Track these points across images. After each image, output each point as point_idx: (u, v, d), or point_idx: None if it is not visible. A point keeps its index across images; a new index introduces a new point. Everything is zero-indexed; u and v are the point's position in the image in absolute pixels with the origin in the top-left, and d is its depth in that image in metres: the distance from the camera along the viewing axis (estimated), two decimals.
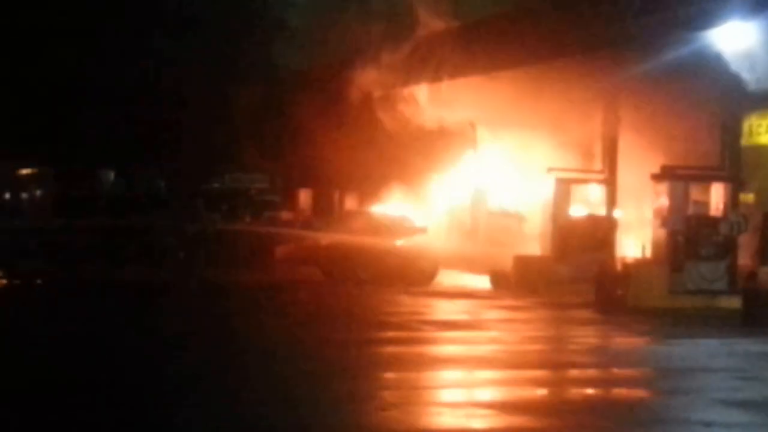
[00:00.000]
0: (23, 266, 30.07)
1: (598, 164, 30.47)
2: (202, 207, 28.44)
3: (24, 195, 39.79)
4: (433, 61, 33.04)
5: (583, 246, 28.02)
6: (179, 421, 12.15)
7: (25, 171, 39.78)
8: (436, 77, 33.50)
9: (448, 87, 33.30)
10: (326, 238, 31.61)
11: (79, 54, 40.15)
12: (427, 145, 34.13)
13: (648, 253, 25.40)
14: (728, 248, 25.00)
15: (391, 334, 19.83)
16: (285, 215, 37.01)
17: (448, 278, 30.56)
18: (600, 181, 29.80)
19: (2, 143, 38.48)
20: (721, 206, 25.22)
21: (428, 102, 33.78)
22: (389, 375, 15.51)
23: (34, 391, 13.60)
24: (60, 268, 29.55)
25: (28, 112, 39.72)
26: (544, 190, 29.61)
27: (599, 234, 28.54)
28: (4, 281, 29.13)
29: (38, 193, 39.01)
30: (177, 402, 13.14)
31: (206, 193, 38.53)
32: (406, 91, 34.46)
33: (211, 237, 28.13)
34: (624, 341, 20.36)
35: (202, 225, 27.55)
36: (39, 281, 29.02)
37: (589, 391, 15.12)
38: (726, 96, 25.79)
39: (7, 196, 39.54)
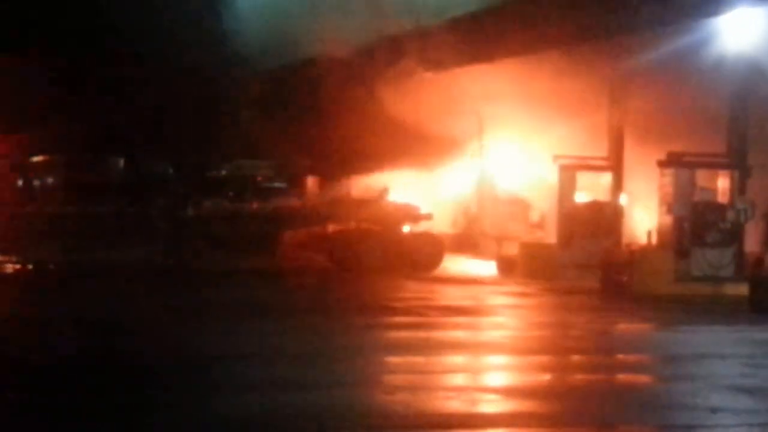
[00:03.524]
0: (35, 251, 30.18)
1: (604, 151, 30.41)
2: (197, 193, 28.39)
3: (36, 182, 39.93)
4: (439, 48, 32.96)
5: (589, 233, 28.01)
6: (191, 400, 12.20)
7: (36, 158, 39.90)
8: (442, 65, 33.44)
9: (455, 74, 33.25)
10: (332, 224, 31.66)
11: (84, 44, 40.15)
12: (434, 133, 34.10)
13: (654, 240, 25.39)
14: (735, 235, 24.97)
15: (397, 319, 19.85)
16: (292, 202, 36.97)
17: (454, 264, 30.58)
18: (605, 168, 29.77)
19: (13, 131, 38.58)
20: (727, 193, 25.22)
21: (435, 89, 33.74)
22: (395, 359, 15.52)
23: (46, 373, 13.67)
24: (70, 253, 29.68)
25: (38, 101, 39.75)
26: (550, 177, 29.61)
27: (605, 221, 28.52)
28: (18, 266, 29.26)
29: (50, 179, 39.14)
30: (190, 383, 13.20)
31: (213, 179, 38.53)
32: (414, 78, 34.41)
33: (206, 222, 28.11)
34: (629, 327, 20.37)
35: (197, 210, 27.54)
36: (51, 266, 29.12)
37: (595, 377, 15.10)
38: (733, 82, 25.73)
39: (20, 182, 39.68)
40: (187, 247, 27.18)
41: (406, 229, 31.03)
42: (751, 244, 24.98)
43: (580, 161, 29.81)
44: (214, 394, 12.64)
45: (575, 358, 16.48)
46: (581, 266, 26.68)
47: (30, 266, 29.22)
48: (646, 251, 25.12)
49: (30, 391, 12.74)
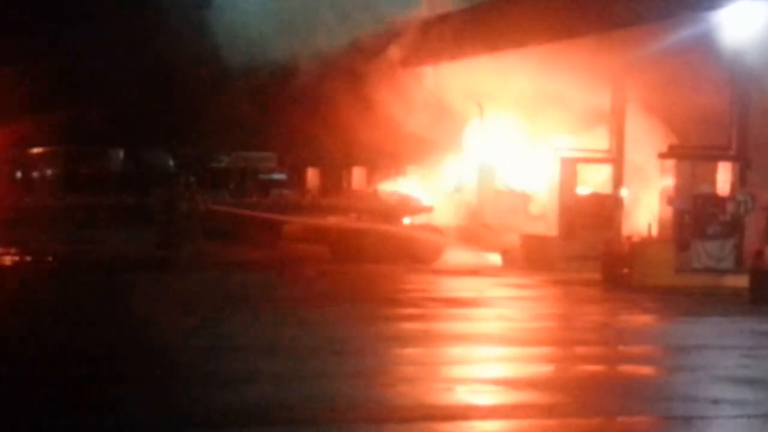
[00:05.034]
0: (34, 243, 30.20)
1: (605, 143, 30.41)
2: (195, 185, 28.41)
3: (35, 173, 39.96)
4: (441, 39, 32.96)
5: (590, 225, 28.03)
6: (187, 394, 12.23)
7: (35, 150, 39.89)
8: (444, 56, 33.43)
9: (457, 65, 33.23)
10: (333, 217, 31.63)
11: (86, 35, 40.17)
12: (435, 124, 34.09)
13: (654, 232, 25.42)
14: (735, 227, 25.01)
15: (398, 311, 19.85)
16: (291, 194, 36.97)
17: (455, 256, 30.57)
18: (606, 161, 29.82)
19: (14, 123, 38.64)
20: (728, 185, 25.27)
21: (436, 80, 33.73)
22: (396, 351, 15.54)
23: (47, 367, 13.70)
24: (69, 245, 29.71)
25: (40, 92, 39.78)
26: (551, 169, 29.61)
27: (605, 212, 28.55)
28: (17, 258, 29.27)
29: (49, 171, 39.17)
30: (186, 376, 13.22)
31: (213, 171, 38.51)
32: (414, 69, 34.40)
33: (204, 215, 28.14)
34: (630, 319, 20.39)
35: (195, 203, 27.55)
36: (50, 258, 29.15)
37: (596, 368, 15.13)
38: (735, 75, 25.73)
39: (19, 174, 39.71)
40: (186, 239, 27.17)
41: (407, 221, 31.03)
42: (752, 236, 25.01)
43: (581, 153, 29.85)
44: (210, 386, 12.63)
45: (576, 349, 16.50)
46: (582, 258, 26.72)
47: (29, 258, 29.22)
48: (646, 243, 25.15)
49: (13, 381, 12.77)
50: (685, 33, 25.83)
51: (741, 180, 25.37)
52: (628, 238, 26.19)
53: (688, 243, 24.81)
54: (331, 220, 31.80)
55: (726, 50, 25.30)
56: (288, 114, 38.66)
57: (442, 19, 33.56)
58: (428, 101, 33.53)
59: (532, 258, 27.90)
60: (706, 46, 25.38)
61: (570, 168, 29.24)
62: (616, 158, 29.63)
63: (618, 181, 29.55)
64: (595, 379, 14.18)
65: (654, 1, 26.59)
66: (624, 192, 29.45)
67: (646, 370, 15.06)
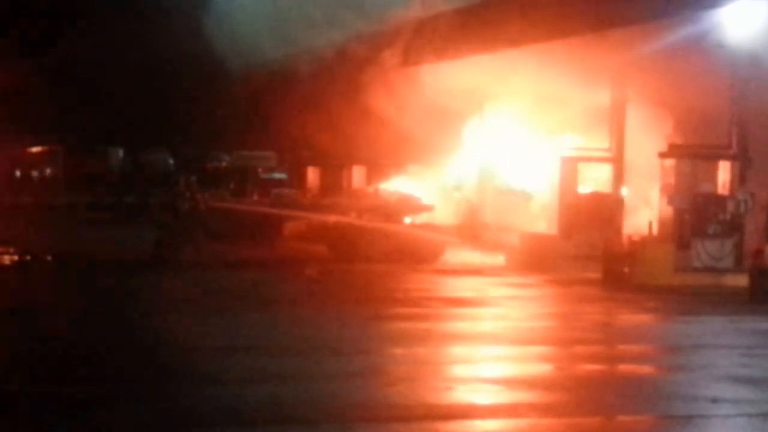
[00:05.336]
0: (34, 242, 30.19)
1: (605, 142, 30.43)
2: (195, 184, 28.43)
3: (34, 173, 40.02)
4: (439, 39, 32.95)
5: (590, 224, 28.05)
6: (187, 392, 12.24)
7: (35, 149, 39.95)
8: (444, 54, 33.43)
9: (457, 64, 33.23)
10: (333, 216, 31.63)
11: (88, 36, 40.24)
12: (435, 123, 34.09)
13: (654, 231, 25.44)
14: (735, 226, 25.04)
15: (398, 310, 19.87)
16: (292, 193, 36.99)
17: (455, 255, 30.58)
18: (606, 159, 29.83)
19: (13, 122, 38.71)
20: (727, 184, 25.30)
21: (436, 79, 33.72)
22: (397, 351, 15.56)
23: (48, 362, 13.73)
24: (68, 244, 29.71)
25: (40, 91, 39.86)
26: (551, 169, 29.63)
27: (606, 212, 28.56)
28: (16, 257, 29.25)
29: (48, 171, 39.24)
30: (185, 374, 13.24)
31: (213, 170, 38.54)
32: (413, 69, 34.40)
33: (205, 214, 28.17)
34: (630, 318, 20.41)
35: (195, 203, 27.56)
36: (49, 257, 29.14)
37: (596, 367, 15.15)
38: (734, 74, 25.75)
39: (18, 173, 39.78)
40: (187, 239, 27.19)
41: (407, 220, 31.02)
42: (751, 235, 25.03)
43: (581, 152, 29.87)
44: (210, 386, 12.66)
45: (576, 348, 16.51)
46: (582, 257, 26.73)
47: (28, 257, 29.20)
48: (646, 242, 25.16)
49: (13, 380, 12.80)
50: (685, 32, 25.83)
51: (741, 179, 25.39)
52: (629, 237, 26.20)
53: (688, 242, 24.84)
54: (332, 219, 31.82)
55: (726, 50, 25.31)
56: (288, 114, 38.67)
57: (440, 18, 33.53)
58: (427, 100, 33.51)
59: (532, 257, 27.90)
60: (705, 45, 25.39)
61: (570, 167, 29.27)
62: (616, 157, 29.64)
63: (618, 180, 29.56)
64: (595, 378, 14.21)
65: (654, 0, 26.59)
66: (624, 191, 29.46)
67: (645, 369, 15.08)
